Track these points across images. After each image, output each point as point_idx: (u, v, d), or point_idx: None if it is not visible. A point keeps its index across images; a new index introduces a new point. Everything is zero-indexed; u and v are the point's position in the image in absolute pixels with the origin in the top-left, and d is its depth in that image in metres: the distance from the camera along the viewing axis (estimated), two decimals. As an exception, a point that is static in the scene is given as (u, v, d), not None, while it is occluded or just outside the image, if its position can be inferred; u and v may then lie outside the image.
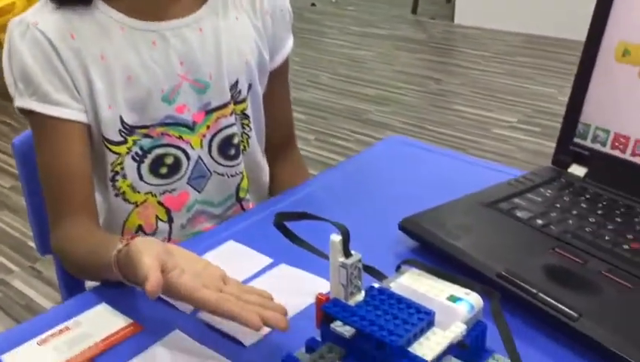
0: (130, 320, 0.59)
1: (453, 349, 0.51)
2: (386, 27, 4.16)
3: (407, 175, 0.88)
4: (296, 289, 0.62)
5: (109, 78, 0.75)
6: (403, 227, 0.70)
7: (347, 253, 0.51)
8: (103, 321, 0.59)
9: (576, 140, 0.79)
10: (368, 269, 0.58)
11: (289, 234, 0.57)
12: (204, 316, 0.60)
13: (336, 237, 0.51)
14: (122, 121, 0.76)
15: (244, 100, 0.84)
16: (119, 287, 0.63)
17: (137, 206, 0.80)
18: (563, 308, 0.55)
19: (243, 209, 0.88)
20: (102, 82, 0.74)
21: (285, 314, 0.56)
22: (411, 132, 2.64)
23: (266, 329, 0.57)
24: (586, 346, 0.54)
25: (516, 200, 0.74)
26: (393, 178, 0.88)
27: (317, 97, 3.05)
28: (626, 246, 0.64)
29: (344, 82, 3.22)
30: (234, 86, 0.82)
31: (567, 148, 0.80)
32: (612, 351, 0.52)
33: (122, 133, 0.76)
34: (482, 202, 0.73)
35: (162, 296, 0.62)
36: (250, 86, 0.85)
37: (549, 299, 0.56)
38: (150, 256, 0.55)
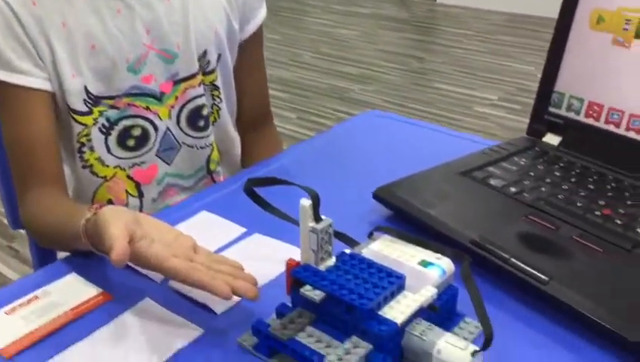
0: (100, 290, 0.59)
1: (423, 312, 0.51)
2: (369, 6, 4.14)
3: (383, 147, 0.88)
4: (268, 257, 0.62)
5: (72, 46, 0.73)
6: (377, 196, 0.69)
7: (317, 218, 0.51)
8: (72, 291, 0.58)
9: (551, 109, 0.79)
10: (340, 236, 0.58)
11: (259, 201, 0.57)
12: (175, 284, 0.59)
13: (306, 202, 0.50)
14: (87, 91, 0.75)
15: (213, 71, 0.83)
16: (89, 257, 0.62)
17: (107, 180, 0.79)
18: (534, 272, 0.56)
19: (214, 181, 0.87)
20: (64, 50, 0.73)
21: (255, 283, 0.56)
22: (393, 110, 2.63)
23: (236, 298, 0.57)
24: (556, 309, 0.54)
25: (490, 168, 0.74)
26: (369, 150, 0.87)
27: (298, 76, 3.03)
28: (597, 213, 0.65)
29: (326, 61, 3.20)
30: (202, 56, 0.81)
31: (542, 118, 0.80)
32: (581, 313, 0.52)
33: (87, 104, 0.75)
34: (457, 171, 0.73)
35: (132, 266, 0.62)
36: (219, 56, 0.83)
37: (520, 264, 0.57)
38: (117, 225, 0.54)
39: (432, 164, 0.75)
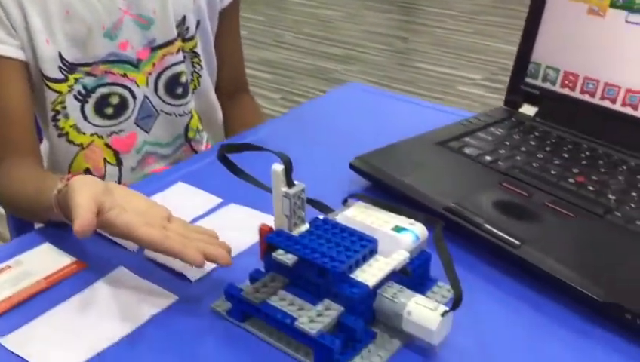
0: (74, 259, 0.58)
1: (396, 276, 0.51)
2: (354, -14, 4.12)
3: (363, 119, 0.88)
4: (244, 226, 0.62)
5: (46, 11, 0.72)
6: (353, 166, 0.69)
7: (290, 183, 0.51)
8: (46, 260, 0.58)
9: (528, 80, 0.80)
10: (315, 203, 0.58)
11: (233, 168, 0.57)
12: (150, 254, 0.59)
13: (278, 167, 0.50)
14: (62, 58, 0.74)
15: (192, 38, 0.83)
16: (63, 227, 0.62)
17: (83, 148, 0.79)
18: (506, 236, 0.56)
19: (193, 149, 0.87)
20: (38, 16, 0.72)
21: (229, 251, 0.56)
22: (377, 90, 2.63)
23: (211, 265, 0.57)
24: (527, 272, 0.55)
25: (467, 138, 0.74)
26: (348, 122, 0.87)
27: (282, 57, 3.01)
28: (571, 180, 0.65)
29: (310, 41, 3.19)
30: (181, 23, 0.80)
31: (519, 89, 0.80)
32: (551, 276, 0.52)
33: (63, 71, 0.74)
34: (433, 141, 0.73)
35: (107, 235, 0.61)
36: (198, 23, 0.83)
37: (492, 229, 0.57)
38: (84, 195, 0.53)
39: (411, 136, 0.75)
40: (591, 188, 0.63)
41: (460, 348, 0.49)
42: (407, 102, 0.95)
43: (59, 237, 0.62)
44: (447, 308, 0.47)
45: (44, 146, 0.77)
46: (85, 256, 0.59)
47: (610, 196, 0.62)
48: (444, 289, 0.55)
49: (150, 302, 0.54)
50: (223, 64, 0.90)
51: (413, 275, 0.53)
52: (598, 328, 0.51)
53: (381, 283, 0.49)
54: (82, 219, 0.51)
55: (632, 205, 0.61)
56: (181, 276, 0.57)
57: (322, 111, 0.92)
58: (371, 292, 0.48)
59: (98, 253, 0.60)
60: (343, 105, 0.93)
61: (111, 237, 0.61)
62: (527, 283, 0.55)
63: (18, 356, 0.48)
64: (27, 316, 0.52)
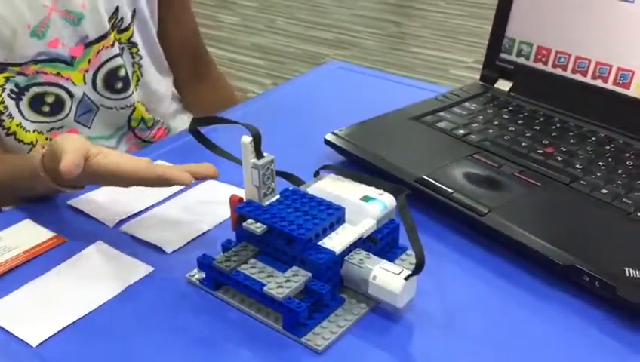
0: (53, 233, 0.60)
1: (364, 244, 0.53)
2: (346, -29, 4.10)
3: (342, 96, 0.89)
4: (219, 201, 0.63)
5: None
6: (328, 141, 0.71)
7: (259, 155, 0.52)
8: (25, 235, 0.59)
9: (502, 55, 0.81)
10: (287, 176, 0.60)
11: (205, 142, 0.58)
12: (127, 228, 0.61)
13: (246, 139, 0.52)
14: None
15: (128, 28, 0.80)
16: (43, 203, 0.63)
17: (34, 146, 0.77)
18: (473, 204, 0.58)
19: (137, 136, 0.86)
20: None
21: (215, 171, 0.58)
22: (369, 74, 2.64)
23: (186, 238, 0.59)
24: (493, 240, 0.57)
25: (441, 113, 0.75)
26: (327, 99, 0.88)
27: (274, 42, 3.02)
28: (540, 151, 0.67)
29: (302, 27, 3.19)
30: (114, 15, 0.78)
31: (494, 64, 0.82)
32: (515, 241, 0.54)
33: None
34: (408, 116, 0.75)
35: (85, 211, 0.63)
36: (134, 12, 0.80)
37: (461, 198, 0.59)
38: (71, 143, 0.55)
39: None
40: (559, 158, 0.65)
41: (424, 312, 0.51)
42: (386, 79, 0.97)
43: (39, 213, 0.63)
44: (411, 272, 0.48)
45: None
46: (64, 230, 0.61)
47: (577, 166, 0.63)
48: (412, 256, 0.56)
49: (127, 273, 0.55)
50: (177, 43, 0.88)
51: (382, 243, 0.54)
52: (559, 291, 0.52)
53: (348, 250, 0.51)
54: (68, 158, 0.52)
55: (598, 174, 0.62)
56: (157, 249, 0.58)
57: (301, 89, 0.93)
58: (337, 259, 0.50)
59: (77, 227, 0.61)
60: (322, 83, 0.94)
61: (89, 212, 0.63)
62: (494, 250, 0.57)
63: (-2, 325, 0.50)
64: (7, 289, 0.54)
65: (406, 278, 0.48)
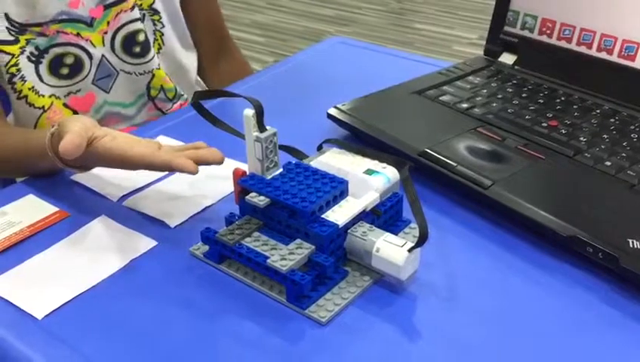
0: (57, 208, 0.60)
1: (367, 217, 0.53)
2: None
3: (343, 71, 0.89)
4: (222, 176, 0.63)
5: None
6: (331, 115, 0.70)
7: (262, 128, 0.52)
8: (29, 210, 0.60)
9: (506, 29, 0.80)
10: (290, 150, 0.60)
11: (207, 116, 0.58)
12: (131, 203, 0.61)
13: (249, 112, 0.52)
14: (9, 19, 0.73)
15: None
16: (47, 178, 0.63)
17: (45, 110, 0.78)
18: (477, 177, 0.57)
19: (158, 108, 0.86)
20: None
21: (221, 156, 0.58)
22: (371, 51, 2.62)
23: (190, 212, 0.59)
24: (496, 212, 0.57)
25: (445, 87, 0.75)
26: (330, 74, 0.88)
27: (275, 19, 2.99)
28: (544, 124, 0.66)
29: (303, 3, 3.16)
30: None
31: (498, 37, 0.81)
32: (518, 213, 0.54)
33: (12, 32, 0.73)
34: (411, 90, 0.74)
35: (89, 186, 0.63)
36: None
37: (464, 170, 0.58)
38: (77, 124, 0.55)
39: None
40: (563, 131, 0.64)
41: (427, 284, 0.51)
42: (389, 54, 0.96)
43: (42, 188, 0.63)
44: (414, 244, 0.48)
45: (5, 111, 0.77)
46: (68, 205, 0.61)
47: (581, 138, 0.63)
48: (416, 229, 0.56)
49: (131, 247, 0.55)
50: (199, 26, 0.89)
51: (385, 216, 0.54)
52: (563, 263, 0.52)
53: (351, 223, 0.51)
54: (66, 139, 0.53)
55: (602, 146, 0.62)
56: (161, 223, 0.58)
57: (303, 65, 0.92)
58: (341, 231, 0.50)
59: (81, 202, 0.61)
60: (323, 58, 0.93)
61: (92, 187, 0.63)
62: (497, 222, 0.57)
63: (3, 298, 0.50)
64: (11, 263, 0.54)
65: (409, 250, 0.48)
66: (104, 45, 0.79)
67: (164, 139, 0.71)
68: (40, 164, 0.63)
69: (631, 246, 0.49)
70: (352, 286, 0.50)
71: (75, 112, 0.81)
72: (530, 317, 0.48)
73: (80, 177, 0.64)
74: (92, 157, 0.56)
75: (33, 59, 0.76)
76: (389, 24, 2.92)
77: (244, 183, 0.52)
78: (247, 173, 0.53)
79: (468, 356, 0.45)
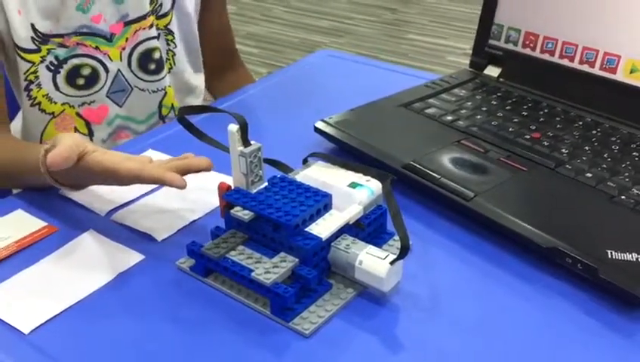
0: (45, 223, 0.60)
1: (351, 230, 0.53)
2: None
3: (333, 84, 0.90)
4: (208, 188, 0.64)
5: None
6: (317, 128, 0.71)
7: (246, 143, 0.53)
8: (17, 225, 0.60)
9: (491, 42, 0.81)
10: (275, 163, 0.60)
11: (193, 130, 0.59)
12: (118, 217, 0.61)
13: (233, 127, 0.52)
14: (34, 29, 0.75)
15: (166, 15, 0.84)
16: (35, 193, 0.64)
17: (54, 116, 0.80)
18: (460, 189, 0.58)
19: None
20: None
21: (209, 163, 0.60)
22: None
23: (177, 226, 0.60)
24: (480, 224, 0.57)
25: (430, 100, 0.76)
26: (316, 87, 0.89)
27: (270, 31, 3.01)
28: (527, 136, 0.67)
29: (298, 15, 3.18)
30: None
31: (483, 50, 0.82)
32: (500, 225, 0.55)
33: (35, 42, 0.76)
34: (397, 103, 0.75)
35: (77, 201, 0.64)
36: (174, 1, 0.84)
37: (447, 182, 0.59)
38: (68, 139, 0.56)
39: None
40: (545, 143, 0.65)
41: (411, 296, 0.52)
42: (376, 66, 0.97)
43: (31, 203, 0.64)
44: (396, 257, 0.49)
45: (17, 116, 0.79)
46: (56, 220, 0.61)
47: (563, 150, 0.64)
48: (399, 242, 0.57)
49: (118, 261, 0.56)
50: (208, 42, 0.91)
51: (369, 229, 0.55)
52: (544, 274, 0.53)
53: (335, 235, 0.52)
54: (54, 152, 0.54)
55: (584, 158, 0.63)
56: (148, 237, 0.59)
57: (291, 78, 0.93)
58: (324, 244, 0.51)
59: (69, 217, 0.62)
60: (312, 71, 0.94)
61: (80, 201, 0.63)
62: (479, 234, 0.57)
63: (-10, 313, 0.51)
64: (-1, 277, 0.54)
65: (391, 263, 0.49)
66: (121, 60, 0.82)
67: (153, 153, 0.72)
68: (32, 180, 0.64)
69: (610, 256, 0.50)
70: (336, 298, 0.51)
71: (88, 123, 0.83)
72: (512, 328, 0.48)
73: (68, 191, 0.65)
74: (82, 172, 0.57)
75: (52, 68, 0.78)
76: (383, 35, 2.94)
77: (228, 198, 0.53)
78: (233, 187, 0.54)
79: (449, 367, 0.46)
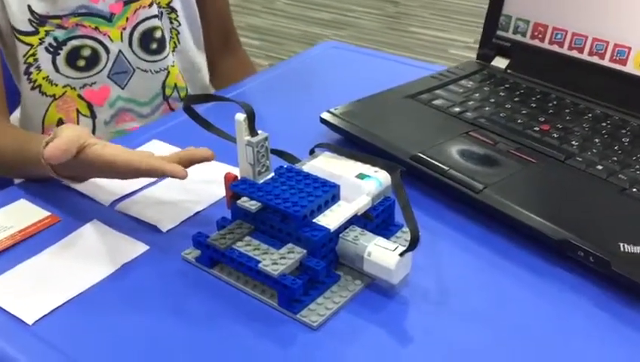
0: (48, 213, 0.60)
1: (359, 221, 0.53)
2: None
3: (338, 76, 0.89)
4: (213, 179, 0.63)
5: None
6: (324, 119, 0.70)
7: (253, 132, 0.52)
8: (20, 215, 0.59)
9: (499, 33, 0.80)
10: (282, 154, 0.60)
11: (199, 120, 0.58)
12: (122, 207, 0.61)
13: (240, 116, 0.52)
14: (31, 11, 0.74)
15: None
16: (39, 183, 0.63)
17: (56, 99, 0.79)
18: (468, 181, 0.57)
19: (172, 109, 0.87)
20: None
21: (211, 154, 0.59)
22: (367, 55, 2.63)
23: (182, 216, 0.59)
24: (488, 216, 0.57)
25: (437, 91, 0.75)
26: (324, 79, 0.88)
27: (271, 23, 2.99)
28: (536, 128, 0.66)
29: (299, 7, 3.16)
30: None
31: (490, 42, 0.81)
32: (510, 217, 0.54)
33: (33, 23, 0.75)
34: (404, 94, 0.74)
35: (80, 191, 0.63)
36: None
37: (456, 174, 0.58)
38: (69, 131, 0.55)
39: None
40: (555, 135, 0.65)
41: (419, 288, 0.51)
42: (381, 58, 0.96)
43: (34, 193, 0.63)
44: (405, 248, 0.48)
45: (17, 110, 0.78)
46: (60, 210, 0.61)
47: (573, 142, 0.63)
48: (408, 233, 0.55)
49: (123, 251, 0.55)
50: (209, 20, 0.90)
51: (377, 220, 0.54)
52: (555, 267, 0.52)
53: (343, 227, 0.51)
54: (53, 144, 0.53)
55: (594, 150, 0.62)
56: (153, 227, 0.58)
57: (295, 69, 0.93)
58: (332, 236, 0.50)
59: (72, 207, 0.61)
60: (316, 63, 0.94)
61: (84, 191, 0.62)
62: (488, 226, 0.57)
63: (-6, 304, 0.50)
64: (2, 268, 0.54)
65: (401, 254, 0.48)
66: (122, 41, 0.80)
67: (157, 144, 0.71)
68: (34, 171, 0.63)
69: (622, 249, 0.49)
70: (344, 290, 0.50)
71: (90, 105, 0.82)
72: (522, 321, 0.48)
73: (70, 183, 0.64)
74: (82, 164, 0.56)
75: (51, 50, 0.77)
76: (385, 28, 2.92)
77: (235, 188, 0.52)
78: (239, 178, 0.53)
79: (460, 360, 0.45)
